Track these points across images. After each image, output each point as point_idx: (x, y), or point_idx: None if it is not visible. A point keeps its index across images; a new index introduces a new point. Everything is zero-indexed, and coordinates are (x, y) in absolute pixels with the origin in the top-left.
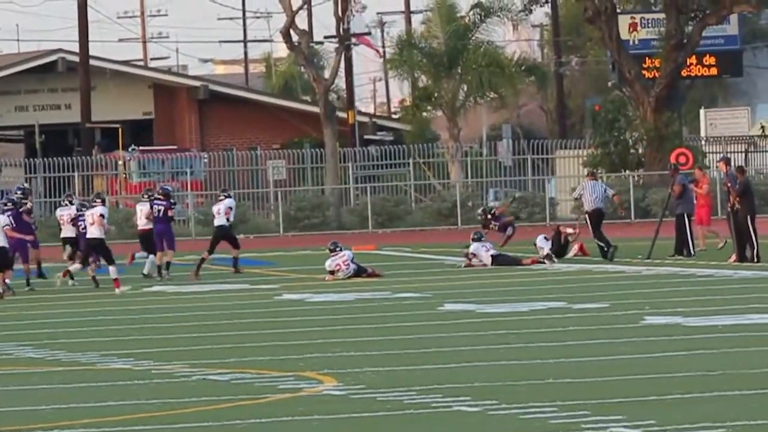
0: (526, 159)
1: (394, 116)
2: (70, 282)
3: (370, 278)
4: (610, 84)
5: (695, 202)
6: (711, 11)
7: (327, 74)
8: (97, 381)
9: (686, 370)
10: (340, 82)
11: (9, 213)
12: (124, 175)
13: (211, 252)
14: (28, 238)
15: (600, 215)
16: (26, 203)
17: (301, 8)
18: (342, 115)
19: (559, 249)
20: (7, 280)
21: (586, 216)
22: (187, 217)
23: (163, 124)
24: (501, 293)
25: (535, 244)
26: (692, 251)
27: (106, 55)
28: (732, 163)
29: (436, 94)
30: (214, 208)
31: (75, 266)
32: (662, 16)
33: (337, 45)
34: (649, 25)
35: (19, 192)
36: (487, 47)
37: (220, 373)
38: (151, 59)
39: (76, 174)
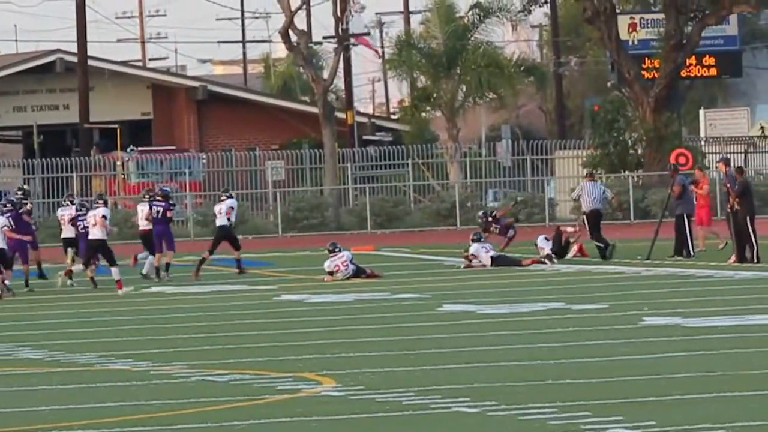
0: (525, 159)
1: (393, 117)
2: (69, 282)
3: (369, 279)
4: (609, 84)
5: (695, 202)
6: (710, 11)
7: (326, 75)
8: (96, 382)
9: (686, 371)
10: (339, 82)
11: (9, 214)
12: (123, 176)
13: (211, 252)
14: (27, 238)
15: (598, 216)
16: (26, 204)
17: (299, 8)
18: (341, 115)
19: (560, 249)
20: (6, 282)
21: (584, 217)
22: (185, 217)
23: (162, 124)
24: (500, 294)
25: (536, 245)
26: (692, 252)
27: (104, 55)
28: (732, 164)
29: (435, 95)
30: (216, 208)
31: (77, 267)
32: (662, 16)
33: (335, 45)
34: (649, 25)
35: (19, 193)
36: (486, 47)
37: (218, 374)
38: (150, 59)
39: (74, 175)
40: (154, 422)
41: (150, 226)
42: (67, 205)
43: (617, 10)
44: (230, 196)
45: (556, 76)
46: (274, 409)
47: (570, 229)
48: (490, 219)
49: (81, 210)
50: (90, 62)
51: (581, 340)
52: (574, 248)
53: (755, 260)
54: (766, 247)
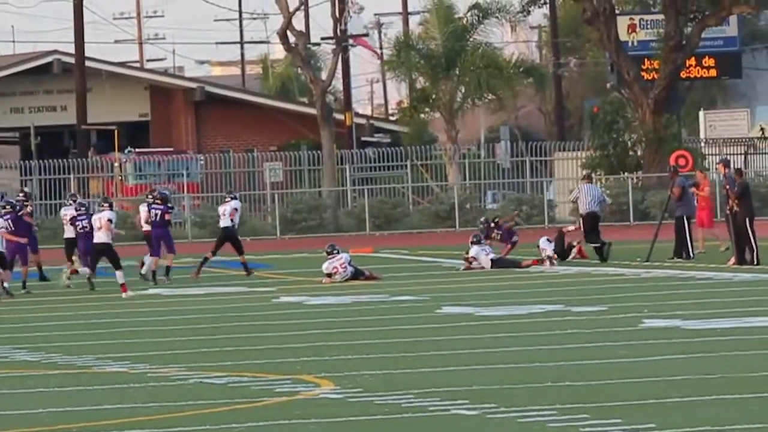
0: (525, 161)
1: (391, 118)
2: (67, 281)
3: (368, 281)
4: (608, 85)
5: (696, 204)
6: (710, 12)
7: (324, 76)
8: (93, 384)
9: (685, 374)
10: (338, 83)
11: (8, 216)
12: (120, 178)
13: (214, 253)
14: (23, 241)
15: (595, 219)
16: (27, 205)
17: (298, 9)
18: (339, 116)
19: (562, 251)
20: (5, 284)
21: (580, 219)
22: (183, 219)
23: (160, 125)
24: (499, 296)
25: (538, 246)
26: (691, 254)
27: (102, 56)
28: (731, 166)
29: (433, 96)
30: (220, 209)
31: (84, 269)
32: (661, 17)
33: (334, 46)
34: (648, 26)
35: (21, 195)
36: (485, 49)
37: (216, 376)
38: (148, 61)
39: (71, 176)
40: (152, 425)
41: (149, 228)
42: (70, 204)
43: (617, 11)
44: (234, 198)
45: (555, 77)
46: (272, 412)
47: (571, 228)
48: (492, 225)
49: (80, 210)
50: (87, 63)
51: (580, 343)
52: (574, 251)
53: (755, 262)
54: (765, 249)
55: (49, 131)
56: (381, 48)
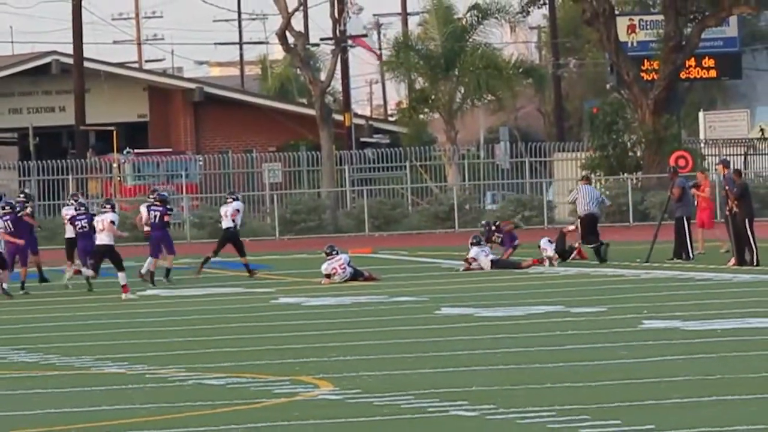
0: (524, 162)
1: (390, 119)
2: (66, 280)
3: (367, 282)
4: (608, 86)
5: (696, 205)
6: (710, 13)
7: (323, 76)
8: (92, 385)
9: (685, 375)
10: (337, 84)
11: (7, 217)
12: (119, 178)
13: (216, 254)
14: (20, 242)
15: (594, 220)
16: (27, 206)
17: (297, 10)
18: (338, 117)
19: (563, 252)
20: (4, 285)
21: (578, 220)
22: (182, 220)
23: (158, 126)
24: (498, 297)
25: (539, 246)
26: (691, 255)
27: (100, 57)
28: (731, 166)
29: (433, 97)
30: (222, 210)
31: (87, 271)
32: (661, 17)
33: (333, 47)
34: (648, 26)
35: (22, 196)
36: (484, 49)
37: (215, 377)
38: (146, 61)
39: (70, 177)
40: (150, 426)
41: (149, 229)
42: (71, 204)
43: (616, 12)
44: (236, 199)
45: (554, 78)
46: (271, 413)
47: (571, 227)
48: (492, 228)
49: (80, 209)
50: (86, 64)
51: (580, 344)
52: (574, 252)
53: (755, 263)
54: (765, 250)
55: (48, 132)
56: (380, 48)
